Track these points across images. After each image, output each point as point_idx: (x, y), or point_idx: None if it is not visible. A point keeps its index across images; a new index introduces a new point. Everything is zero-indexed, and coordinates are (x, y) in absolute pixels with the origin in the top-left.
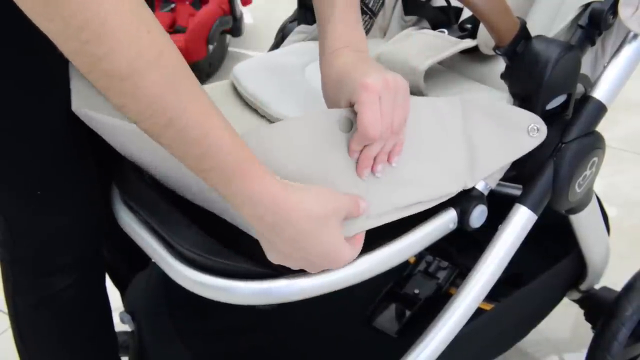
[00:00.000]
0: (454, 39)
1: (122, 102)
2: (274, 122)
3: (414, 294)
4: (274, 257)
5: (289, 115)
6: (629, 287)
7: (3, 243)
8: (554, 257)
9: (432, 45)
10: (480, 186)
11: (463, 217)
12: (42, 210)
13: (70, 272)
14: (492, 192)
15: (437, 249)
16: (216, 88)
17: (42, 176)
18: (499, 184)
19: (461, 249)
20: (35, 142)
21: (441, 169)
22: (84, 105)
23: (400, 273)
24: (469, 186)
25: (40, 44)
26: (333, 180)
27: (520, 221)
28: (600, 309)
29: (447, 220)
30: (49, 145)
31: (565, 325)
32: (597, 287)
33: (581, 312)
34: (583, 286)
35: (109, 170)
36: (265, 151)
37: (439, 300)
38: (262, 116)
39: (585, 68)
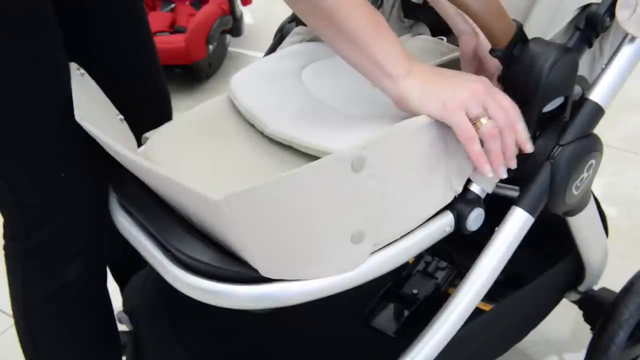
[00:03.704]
0: (452, 46)
1: None
2: (271, 139)
3: (413, 294)
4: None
5: (285, 130)
6: (627, 290)
7: (14, 237)
8: (553, 258)
9: (430, 50)
10: (477, 189)
11: (460, 221)
12: (63, 193)
13: (82, 259)
14: (490, 193)
15: (435, 249)
16: (216, 103)
17: (61, 158)
18: (496, 185)
19: (460, 249)
20: (52, 123)
21: (431, 191)
22: (85, 118)
23: (399, 273)
24: (458, 190)
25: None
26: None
27: (517, 223)
28: (599, 310)
29: (444, 223)
30: (66, 125)
31: (565, 326)
32: (596, 287)
33: (581, 313)
34: (581, 287)
35: (106, 172)
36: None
37: (438, 301)
38: (261, 132)
39: (582, 70)
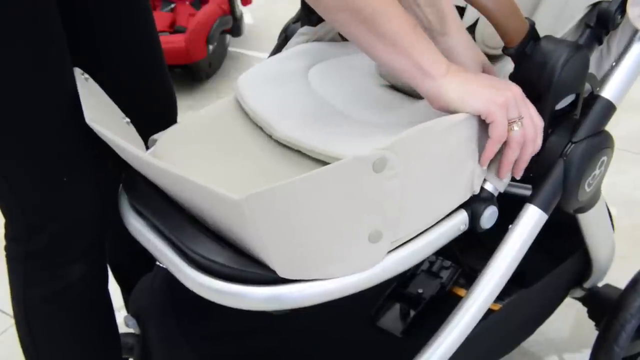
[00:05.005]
0: None
1: None
2: (279, 142)
3: (418, 294)
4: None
5: (293, 135)
6: (637, 280)
7: (16, 238)
8: (558, 256)
9: None
10: (490, 187)
11: (474, 219)
12: (64, 195)
13: (84, 260)
14: (501, 192)
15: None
16: (223, 104)
17: (62, 159)
18: (508, 184)
19: (464, 248)
20: (54, 124)
21: (453, 190)
22: (95, 120)
23: (404, 273)
24: (477, 191)
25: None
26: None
27: (531, 221)
28: (605, 306)
29: (458, 222)
30: (68, 126)
31: (566, 324)
32: (599, 284)
33: (582, 312)
34: (587, 284)
35: (117, 174)
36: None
37: (443, 300)
38: (269, 135)
39: (591, 67)
